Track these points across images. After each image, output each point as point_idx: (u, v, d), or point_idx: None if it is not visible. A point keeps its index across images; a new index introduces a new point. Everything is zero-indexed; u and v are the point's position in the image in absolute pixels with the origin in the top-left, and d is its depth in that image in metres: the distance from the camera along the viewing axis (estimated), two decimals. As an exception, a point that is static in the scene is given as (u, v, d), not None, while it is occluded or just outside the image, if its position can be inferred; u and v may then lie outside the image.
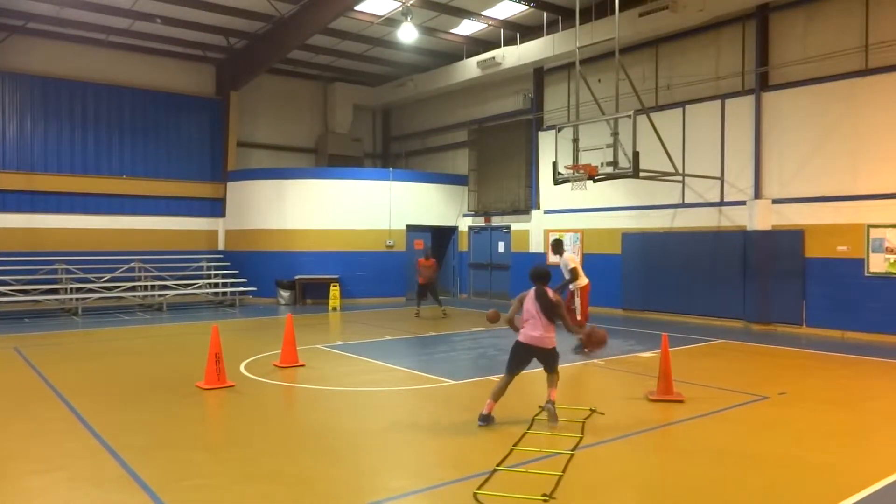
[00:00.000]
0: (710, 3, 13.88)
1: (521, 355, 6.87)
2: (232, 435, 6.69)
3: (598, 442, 6.21)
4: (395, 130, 25.30)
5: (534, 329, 6.74)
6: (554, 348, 6.86)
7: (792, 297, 13.67)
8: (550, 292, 6.82)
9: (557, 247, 11.66)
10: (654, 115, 14.11)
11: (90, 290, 17.33)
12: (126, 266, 18.39)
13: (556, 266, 11.23)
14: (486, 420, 6.84)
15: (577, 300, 11.12)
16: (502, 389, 6.98)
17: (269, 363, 10.02)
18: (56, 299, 16.94)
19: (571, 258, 11.52)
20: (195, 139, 20.93)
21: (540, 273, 6.92)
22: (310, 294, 19.38)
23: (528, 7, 16.83)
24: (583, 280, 11.35)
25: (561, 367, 9.77)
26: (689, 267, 15.36)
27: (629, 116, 12.52)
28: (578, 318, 10.93)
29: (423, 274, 16.31)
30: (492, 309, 7.27)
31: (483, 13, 17.46)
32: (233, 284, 19.42)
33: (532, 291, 6.82)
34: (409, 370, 9.65)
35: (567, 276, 11.25)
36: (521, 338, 6.83)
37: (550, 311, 6.69)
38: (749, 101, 14.45)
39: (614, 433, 6.56)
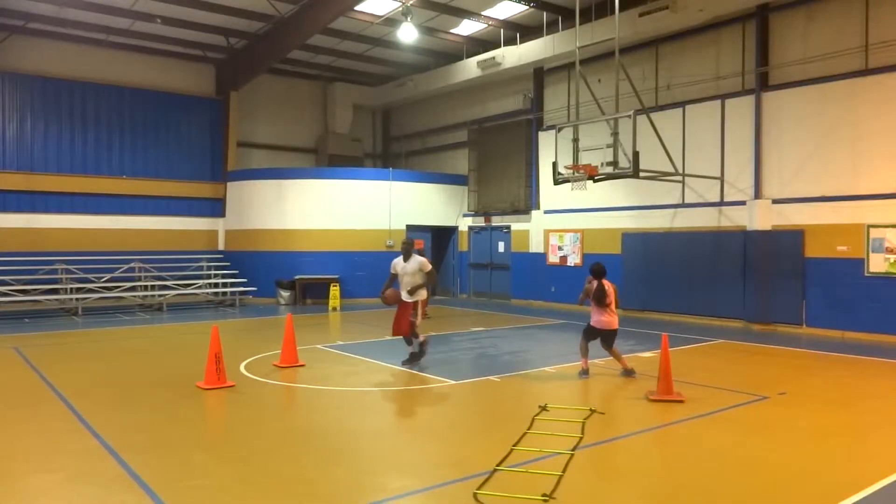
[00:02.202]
0: (710, 3, 13.89)
1: (593, 335, 9.10)
2: (232, 435, 6.69)
3: (598, 442, 6.21)
4: (395, 130, 25.30)
5: (600, 315, 8.96)
6: (615, 331, 9.07)
7: (792, 297, 13.68)
8: (608, 285, 8.92)
9: (405, 249, 10.05)
10: (654, 115, 14.13)
11: (90, 290, 17.33)
12: (126, 266, 18.39)
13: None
14: (586, 374, 9.15)
15: (421, 310, 9.95)
16: (586, 347, 9.27)
17: (269, 363, 10.02)
18: (56, 299, 16.94)
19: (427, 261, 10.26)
20: (195, 139, 20.93)
21: (600, 269, 9.05)
22: (310, 294, 19.38)
23: (528, 7, 16.84)
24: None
25: (558, 368, 9.84)
26: (689, 267, 15.36)
27: (629, 116, 12.52)
28: (420, 319, 9.83)
29: None
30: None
31: (483, 13, 17.47)
32: (233, 284, 19.42)
33: (595, 283, 8.93)
34: (409, 370, 9.65)
35: (422, 280, 9.81)
36: (592, 323, 9.06)
37: (599, 300, 8.90)
38: (749, 101, 14.45)
39: (614, 433, 6.57)
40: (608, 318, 8.98)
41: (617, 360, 9.21)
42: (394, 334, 10.05)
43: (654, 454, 6.15)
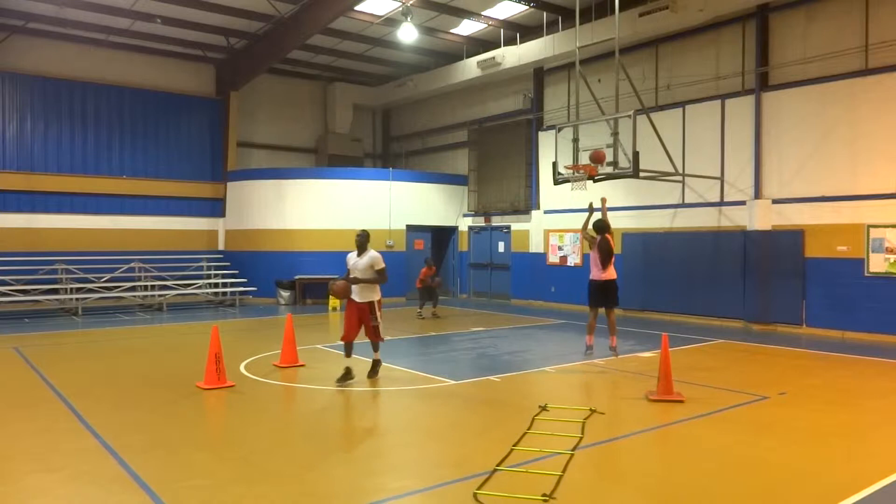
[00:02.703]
0: (710, 3, 13.90)
1: (597, 291, 9.73)
2: (232, 435, 6.69)
3: (598, 442, 6.21)
4: (395, 130, 25.30)
5: (600, 270, 9.62)
6: (615, 280, 9.81)
7: (792, 297, 13.68)
8: (610, 238, 9.70)
9: (359, 243, 8.96)
10: (654, 115, 14.13)
11: (90, 290, 17.33)
12: (126, 266, 18.39)
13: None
14: (591, 349, 9.96)
15: (379, 312, 8.81)
16: (593, 324, 9.91)
17: (269, 363, 10.02)
18: (56, 299, 16.94)
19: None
20: (195, 139, 20.94)
21: (602, 226, 9.73)
22: (310, 294, 19.38)
23: (528, 7, 16.84)
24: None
25: (558, 368, 9.85)
26: (689, 267, 15.36)
27: (629, 116, 12.52)
28: (381, 322, 8.85)
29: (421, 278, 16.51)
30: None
31: (483, 13, 17.47)
32: (233, 284, 19.43)
33: (599, 239, 9.65)
34: (409, 370, 9.65)
35: (372, 276, 8.75)
36: (592, 277, 9.75)
37: (607, 255, 9.66)
38: (749, 101, 14.45)
39: (614, 433, 6.57)
40: (608, 272, 9.70)
41: (611, 330, 9.79)
42: (344, 339, 8.76)
43: (654, 454, 6.15)
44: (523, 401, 7.90)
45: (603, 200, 10.41)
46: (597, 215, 10.35)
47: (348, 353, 8.78)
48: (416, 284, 16.70)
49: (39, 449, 5.99)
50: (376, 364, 9.05)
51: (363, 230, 9.14)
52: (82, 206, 18.82)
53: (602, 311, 10.14)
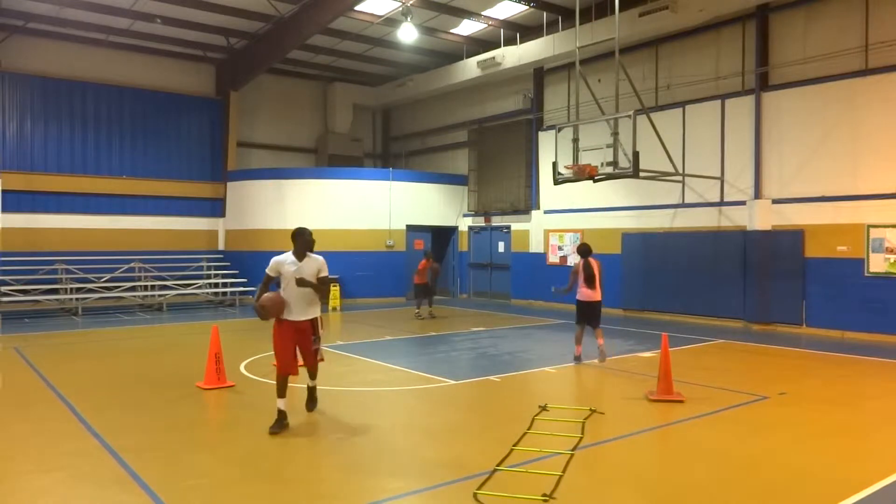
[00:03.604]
0: (710, 3, 13.90)
1: (584, 310, 9.96)
2: (232, 435, 6.69)
3: (598, 442, 6.21)
4: (395, 130, 25.30)
5: (585, 289, 9.89)
6: (599, 302, 9.99)
7: (792, 297, 13.67)
8: (594, 262, 9.94)
9: (307, 242, 7.16)
10: (654, 115, 14.12)
11: (90, 290, 17.33)
12: (126, 266, 18.39)
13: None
14: (579, 360, 9.99)
15: (322, 331, 7.15)
16: (581, 336, 10.08)
17: (269, 363, 10.00)
18: (56, 299, 16.94)
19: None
20: (195, 139, 20.94)
21: (586, 249, 10.13)
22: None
23: (528, 7, 16.84)
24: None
25: (558, 368, 9.86)
26: (689, 267, 15.36)
27: (629, 116, 12.52)
28: (322, 345, 7.21)
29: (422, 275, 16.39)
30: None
31: (483, 13, 17.47)
32: (233, 284, 19.42)
33: (582, 262, 9.93)
34: (409, 370, 9.65)
35: (319, 290, 6.97)
36: (579, 297, 9.96)
37: (590, 277, 9.87)
38: (749, 101, 14.45)
39: (614, 433, 6.56)
40: (591, 292, 9.92)
41: (598, 338, 9.89)
42: (285, 372, 6.78)
43: (654, 454, 6.15)
44: (523, 401, 7.90)
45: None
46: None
47: (283, 392, 6.72)
48: (414, 279, 16.59)
49: (39, 449, 5.99)
50: (313, 392, 7.29)
51: (306, 229, 7.18)
52: (82, 206, 18.82)
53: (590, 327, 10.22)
